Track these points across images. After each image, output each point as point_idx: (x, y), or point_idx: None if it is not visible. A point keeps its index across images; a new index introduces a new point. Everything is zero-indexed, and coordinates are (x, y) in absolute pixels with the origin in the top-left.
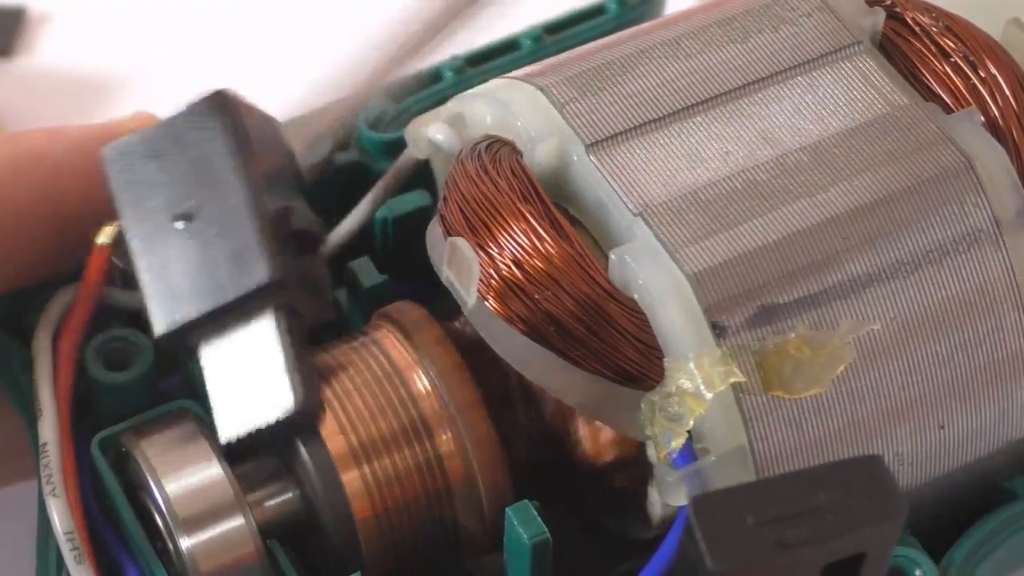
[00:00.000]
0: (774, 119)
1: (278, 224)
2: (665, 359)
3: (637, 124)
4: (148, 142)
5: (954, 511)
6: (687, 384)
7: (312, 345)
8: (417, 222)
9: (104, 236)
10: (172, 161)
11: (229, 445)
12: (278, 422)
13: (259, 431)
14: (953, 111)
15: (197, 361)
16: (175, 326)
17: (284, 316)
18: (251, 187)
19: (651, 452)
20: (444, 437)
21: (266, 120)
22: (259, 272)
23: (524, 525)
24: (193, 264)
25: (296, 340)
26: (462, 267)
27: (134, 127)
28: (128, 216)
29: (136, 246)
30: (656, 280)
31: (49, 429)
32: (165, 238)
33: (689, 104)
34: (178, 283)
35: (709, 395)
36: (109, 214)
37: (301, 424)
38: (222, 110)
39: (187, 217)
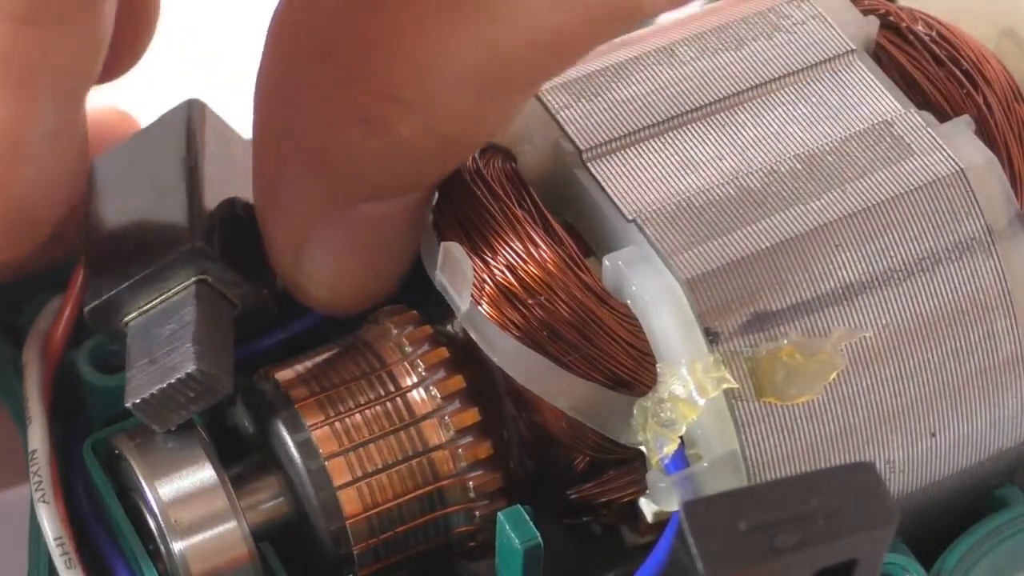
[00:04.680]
0: (768, 126)
1: (220, 210)
2: (658, 365)
3: (631, 130)
4: (127, 150)
5: (945, 518)
6: (680, 390)
7: (306, 348)
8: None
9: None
10: (138, 166)
11: (135, 407)
12: (179, 384)
13: (163, 394)
14: (946, 119)
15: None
16: (98, 300)
17: (207, 290)
18: (192, 176)
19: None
20: (436, 440)
21: (229, 135)
22: (182, 240)
23: (516, 530)
24: (128, 245)
25: (216, 315)
26: (455, 272)
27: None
28: (90, 219)
29: (90, 243)
30: (649, 286)
31: (38, 436)
32: (114, 231)
33: (683, 111)
34: (113, 265)
35: (702, 401)
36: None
37: (204, 391)
38: (188, 117)
39: (134, 212)
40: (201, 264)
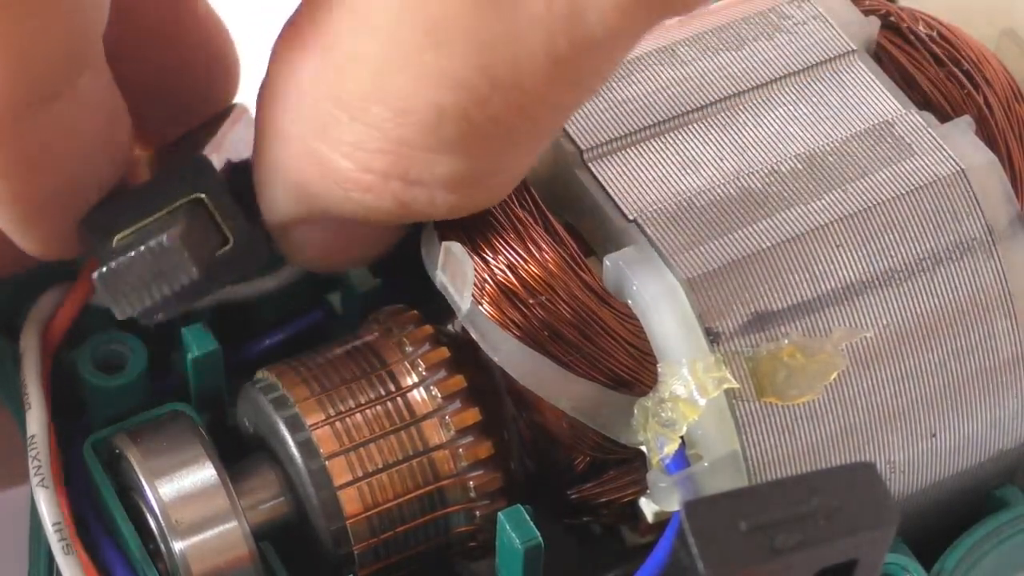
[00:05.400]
0: (769, 126)
1: (236, 167)
2: (659, 365)
3: (632, 130)
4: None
5: (945, 518)
6: (680, 390)
7: (306, 348)
8: (411, 226)
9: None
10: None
11: (99, 276)
12: (146, 252)
13: (130, 262)
14: (947, 120)
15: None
16: (93, 209)
17: (202, 211)
18: (212, 144)
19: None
20: (436, 440)
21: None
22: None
23: (516, 530)
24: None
25: (205, 236)
26: (456, 272)
27: None
28: None
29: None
30: (650, 286)
31: (37, 422)
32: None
33: (684, 111)
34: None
35: (702, 401)
36: None
37: (169, 268)
38: (199, 173)
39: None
40: (201, 182)
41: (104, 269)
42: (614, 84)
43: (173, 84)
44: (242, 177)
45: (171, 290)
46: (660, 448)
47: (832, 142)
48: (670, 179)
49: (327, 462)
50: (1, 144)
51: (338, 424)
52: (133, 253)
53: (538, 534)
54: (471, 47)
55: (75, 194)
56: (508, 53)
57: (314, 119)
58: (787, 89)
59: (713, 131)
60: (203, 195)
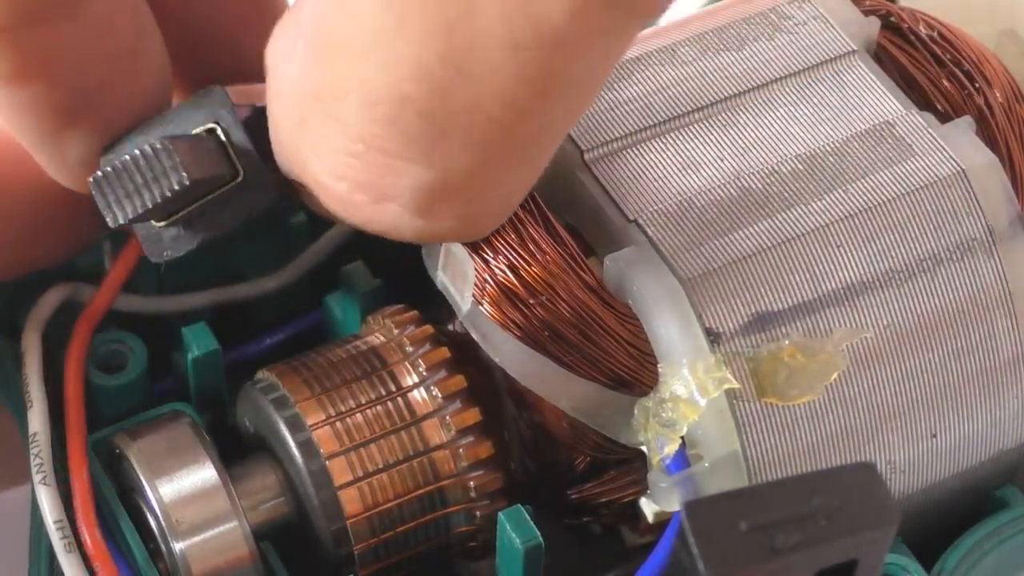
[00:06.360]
0: (769, 127)
1: (260, 110)
2: (659, 365)
3: (632, 130)
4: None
5: (945, 519)
6: (681, 390)
7: (306, 348)
8: None
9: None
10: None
11: (94, 180)
12: (141, 156)
13: (124, 166)
14: (947, 120)
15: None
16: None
17: (214, 142)
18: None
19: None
20: (437, 440)
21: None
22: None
23: (517, 530)
24: None
25: (207, 155)
26: (457, 272)
27: None
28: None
29: None
30: (650, 286)
31: (38, 420)
32: None
33: (684, 111)
34: None
35: (703, 401)
36: None
37: (161, 173)
38: (214, 103)
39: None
40: (215, 112)
41: (99, 173)
42: (614, 84)
43: (223, 40)
44: (264, 122)
45: (161, 195)
46: (660, 448)
47: (833, 142)
48: (670, 179)
49: (327, 462)
50: (11, 51)
51: (338, 424)
52: (127, 157)
53: (538, 534)
54: (429, 28)
55: (97, 120)
56: (465, 36)
57: (296, 111)
58: (787, 89)
59: (714, 131)
60: (215, 125)
